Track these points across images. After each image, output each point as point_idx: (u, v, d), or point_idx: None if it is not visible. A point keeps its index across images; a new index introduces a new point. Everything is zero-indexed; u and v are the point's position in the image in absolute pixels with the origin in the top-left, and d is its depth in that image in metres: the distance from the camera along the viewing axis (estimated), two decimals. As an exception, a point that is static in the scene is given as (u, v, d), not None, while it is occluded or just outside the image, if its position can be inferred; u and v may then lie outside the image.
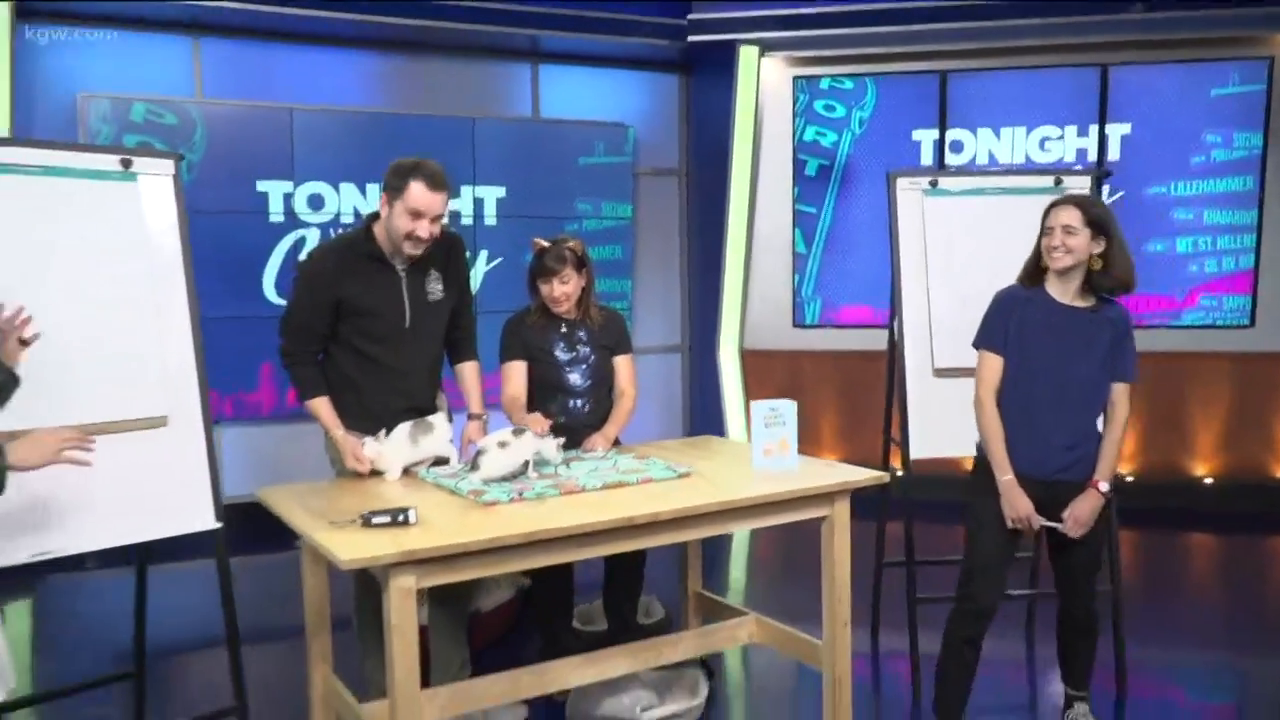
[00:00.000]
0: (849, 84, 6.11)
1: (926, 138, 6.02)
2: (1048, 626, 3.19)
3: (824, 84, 6.14)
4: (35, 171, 2.44)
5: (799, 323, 6.33)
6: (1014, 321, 2.78)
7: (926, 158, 6.02)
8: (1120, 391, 2.79)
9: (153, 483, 2.54)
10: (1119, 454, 2.81)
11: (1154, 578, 4.88)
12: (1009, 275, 2.93)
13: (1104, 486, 2.76)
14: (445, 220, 2.90)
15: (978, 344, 2.86)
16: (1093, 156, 5.83)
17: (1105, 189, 5.80)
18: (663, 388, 6.72)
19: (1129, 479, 5.94)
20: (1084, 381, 2.75)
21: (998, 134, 5.94)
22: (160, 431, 2.57)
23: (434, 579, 2.31)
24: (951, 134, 5.99)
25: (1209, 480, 5.89)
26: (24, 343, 2.25)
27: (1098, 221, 2.69)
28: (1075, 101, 5.84)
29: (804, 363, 6.28)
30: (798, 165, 6.22)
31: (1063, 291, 2.76)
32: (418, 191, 2.79)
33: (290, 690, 3.24)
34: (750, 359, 6.38)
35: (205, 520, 2.63)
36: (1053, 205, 2.75)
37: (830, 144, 6.17)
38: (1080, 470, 2.76)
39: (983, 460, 2.84)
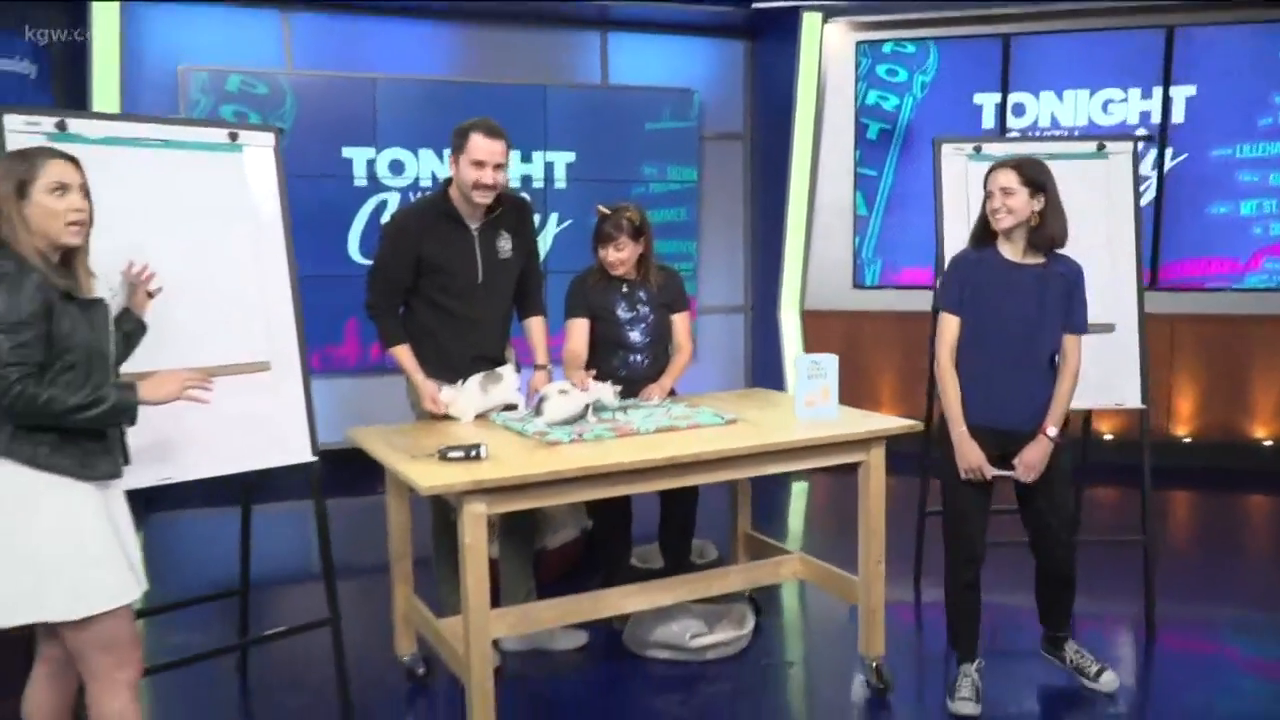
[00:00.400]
0: (911, 48, 6.19)
1: (988, 101, 6.08)
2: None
3: (886, 48, 6.23)
4: (155, 144, 2.76)
5: (859, 284, 6.48)
6: (969, 283, 2.93)
7: (988, 121, 6.09)
8: (1071, 343, 2.93)
9: (258, 420, 2.87)
10: (1069, 402, 2.94)
11: (1207, 537, 4.98)
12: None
13: (1052, 432, 2.90)
14: (511, 180, 3.17)
15: (935, 306, 3.03)
16: (1156, 119, 5.83)
17: (1169, 151, 5.82)
18: (725, 347, 6.94)
19: (1186, 440, 5.99)
20: (1037, 335, 2.90)
21: (1060, 97, 5.97)
22: (264, 375, 2.90)
23: (502, 506, 2.61)
24: (1014, 97, 6.04)
25: (1269, 442, 5.91)
26: (150, 295, 2.58)
27: (1034, 181, 2.83)
28: (1139, 63, 5.83)
29: (864, 323, 6.42)
30: (859, 129, 6.34)
31: (1012, 250, 2.91)
32: (477, 141, 3.09)
33: (376, 611, 3.60)
34: (811, 319, 6.56)
35: (303, 454, 2.96)
36: (990, 170, 2.90)
37: (892, 108, 6.26)
38: (1039, 420, 2.91)
39: (945, 419, 3.00)
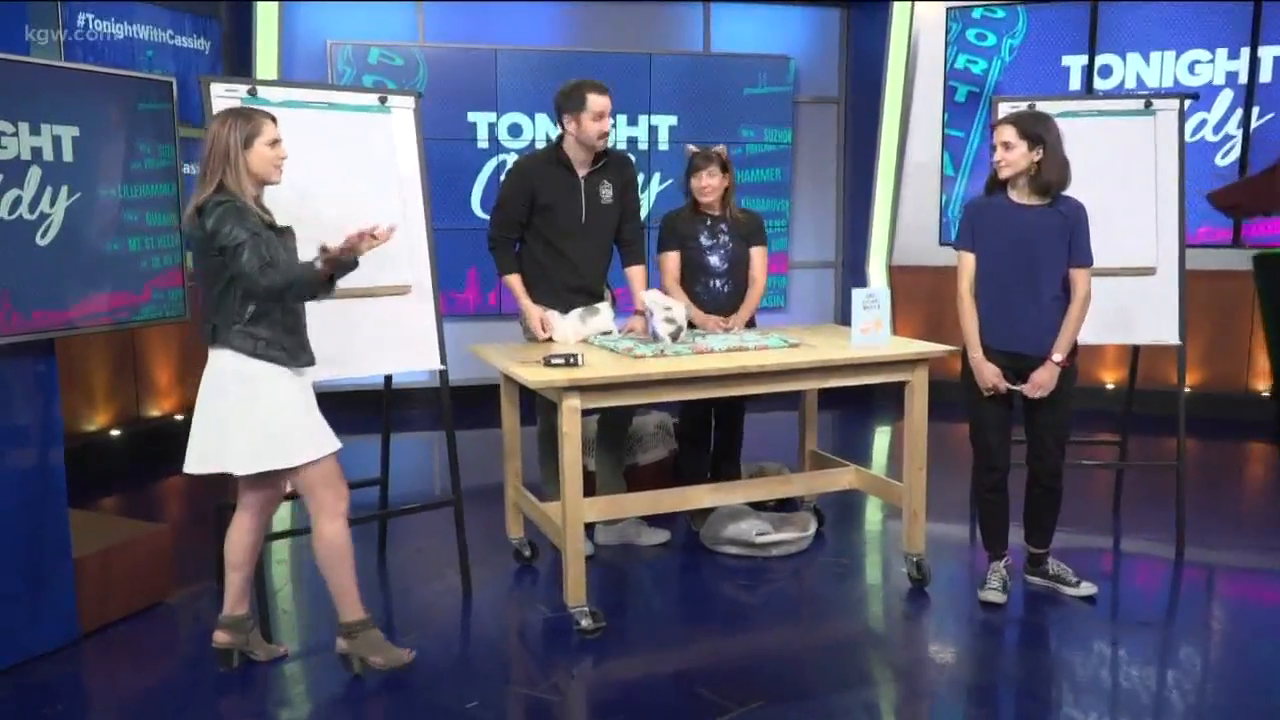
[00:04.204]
0: (1001, 13, 6.43)
1: (1075, 63, 6.29)
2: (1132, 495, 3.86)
3: (976, 14, 6.49)
4: (322, 106, 3.41)
5: (945, 240, 6.78)
6: (980, 224, 3.32)
7: (1075, 83, 6.30)
8: (1078, 274, 3.28)
9: (400, 332, 3.50)
10: (1077, 329, 3.29)
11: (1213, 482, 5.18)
12: (1101, 191, 3.50)
13: (1058, 357, 3.27)
14: (618, 141, 3.69)
15: (955, 246, 3.43)
16: (1243, 80, 5.95)
17: (1255, 110, 5.95)
18: (816, 301, 7.37)
19: (1265, 394, 6.14)
20: (1044, 268, 3.26)
21: (1146, 59, 6.14)
22: (405, 297, 3.52)
23: (593, 402, 3.17)
24: (1101, 59, 6.23)
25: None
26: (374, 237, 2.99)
27: (1031, 134, 3.17)
28: (1227, 24, 5.95)
29: (948, 278, 6.68)
30: (948, 92, 6.62)
31: (1018, 194, 3.27)
32: (596, 98, 3.67)
33: (493, 518, 4.22)
34: (898, 274, 6.93)
35: (434, 361, 3.58)
36: (994, 125, 3.27)
37: (980, 71, 6.53)
38: (1047, 345, 3.28)
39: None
